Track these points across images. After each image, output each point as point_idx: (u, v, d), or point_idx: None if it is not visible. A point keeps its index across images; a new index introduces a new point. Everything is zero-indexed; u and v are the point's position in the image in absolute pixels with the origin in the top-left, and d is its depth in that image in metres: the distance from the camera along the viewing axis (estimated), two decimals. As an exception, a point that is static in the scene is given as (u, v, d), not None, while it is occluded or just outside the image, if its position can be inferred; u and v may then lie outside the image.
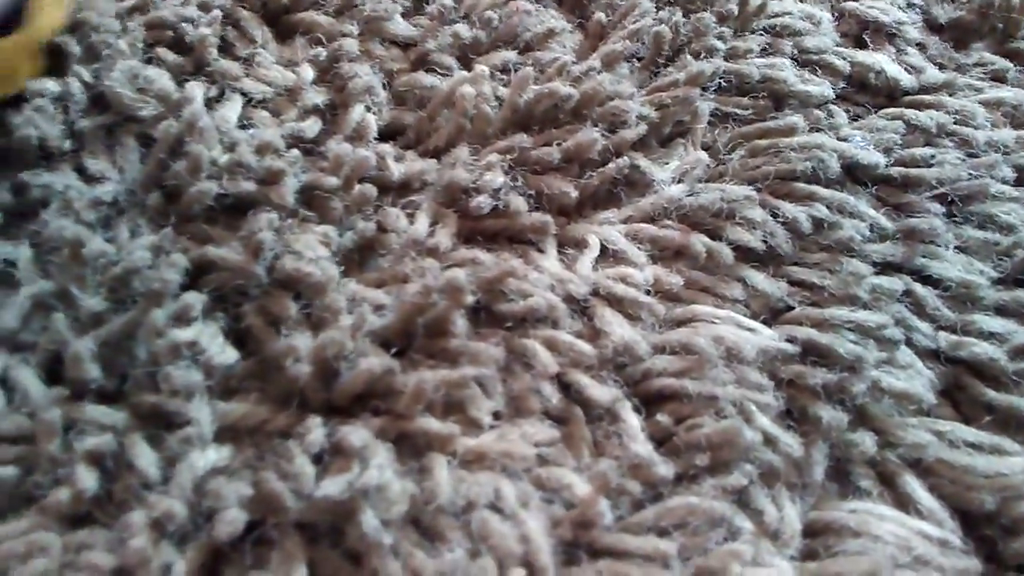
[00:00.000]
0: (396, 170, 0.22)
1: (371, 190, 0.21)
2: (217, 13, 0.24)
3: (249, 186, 0.20)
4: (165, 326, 0.18)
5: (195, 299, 0.19)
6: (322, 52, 0.24)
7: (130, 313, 0.18)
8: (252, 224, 0.20)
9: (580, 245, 0.21)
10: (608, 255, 0.21)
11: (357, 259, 0.21)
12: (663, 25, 0.24)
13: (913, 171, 0.22)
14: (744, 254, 0.21)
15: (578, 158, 0.22)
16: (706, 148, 0.23)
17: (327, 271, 0.19)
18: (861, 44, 0.26)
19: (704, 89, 0.24)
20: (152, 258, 0.19)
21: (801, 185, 0.22)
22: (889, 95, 0.25)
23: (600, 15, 0.25)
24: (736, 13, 0.26)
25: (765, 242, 0.21)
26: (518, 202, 0.21)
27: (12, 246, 0.20)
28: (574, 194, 0.22)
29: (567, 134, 0.22)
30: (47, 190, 0.20)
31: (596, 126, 0.23)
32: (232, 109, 0.22)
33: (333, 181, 0.21)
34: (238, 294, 0.19)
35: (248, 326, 0.19)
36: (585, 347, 0.19)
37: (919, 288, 0.20)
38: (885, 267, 0.21)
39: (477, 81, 0.23)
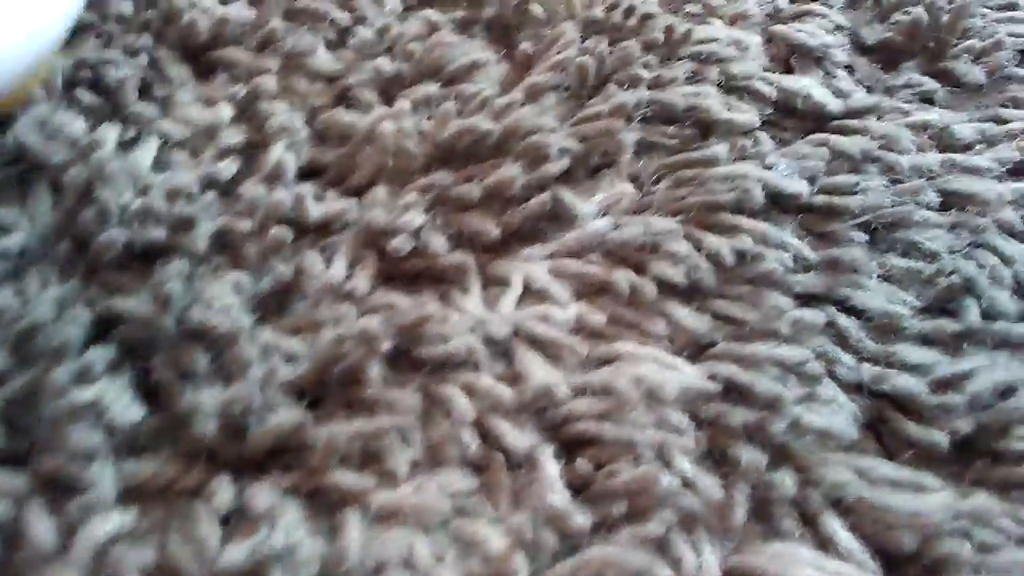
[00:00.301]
0: (315, 211, 0.21)
1: (286, 234, 0.21)
2: (143, 57, 0.24)
3: (159, 233, 0.20)
4: (67, 385, 0.17)
5: (99, 355, 0.18)
6: (241, 90, 0.23)
7: (32, 372, 0.18)
8: (161, 274, 0.19)
9: (503, 283, 0.21)
10: (532, 292, 0.21)
11: (274, 305, 0.20)
12: (587, 56, 0.24)
13: (837, 199, 0.22)
14: (668, 288, 0.21)
15: (499, 195, 0.22)
16: (633, 179, 0.23)
17: (237, 321, 0.19)
18: (789, 69, 0.26)
19: (629, 119, 0.24)
20: (57, 312, 0.19)
21: (726, 216, 0.22)
22: (816, 119, 0.25)
23: (526, 44, 0.25)
24: (662, 41, 0.25)
25: (689, 276, 0.21)
26: (438, 242, 0.21)
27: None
28: (495, 232, 0.21)
29: (490, 169, 0.22)
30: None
31: (519, 160, 0.22)
32: (147, 152, 0.22)
33: (247, 225, 0.20)
34: (147, 346, 0.19)
35: (157, 380, 0.19)
36: (505, 391, 0.19)
37: (842, 319, 0.20)
38: (808, 298, 0.21)
39: (398, 117, 0.23)
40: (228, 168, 0.22)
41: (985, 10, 0.28)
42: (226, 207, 0.21)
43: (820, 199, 0.22)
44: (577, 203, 0.22)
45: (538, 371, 0.19)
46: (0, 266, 0.20)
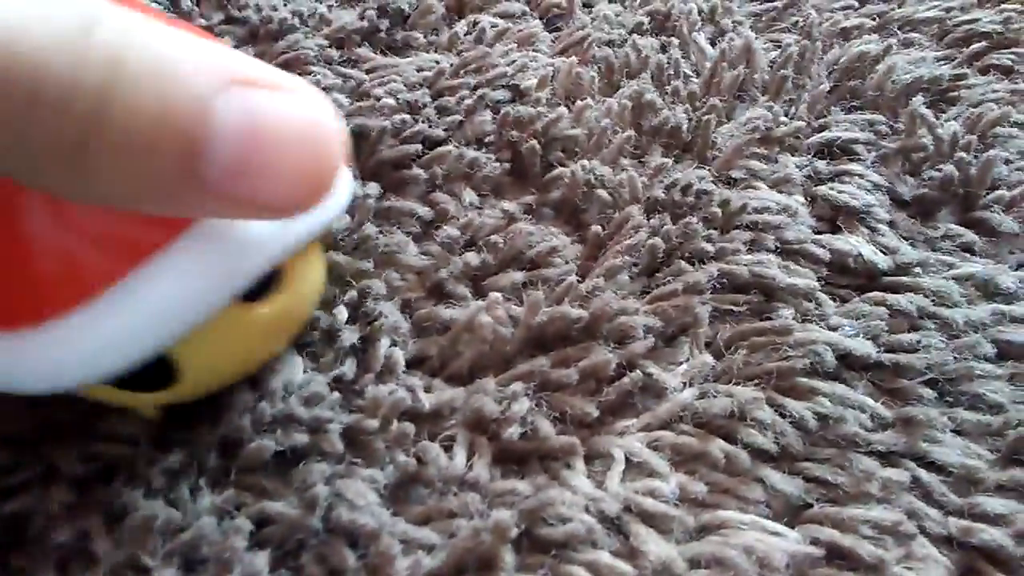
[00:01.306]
0: (427, 401, 0.24)
1: (410, 428, 0.23)
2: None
3: (302, 438, 0.22)
4: (236, 593, 0.19)
5: (262, 562, 0.20)
6: (352, 293, 0.26)
7: (201, 580, 0.20)
8: (305, 476, 0.21)
9: (605, 458, 0.23)
10: (632, 466, 0.23)
11: (401, 496, 0.22)
12: (656, 237, 0.27)
13: (903, 357, 0.24)
14: (758, 454, 0.23)
15: (595, 376, 0.24)
16: (707, 345, 0.25)
17: (379, 517, 0.21)
18: (835, 228, 0.29)
19: (701, 292, 0.26)
20: (217, 522, 0.21)
21: (802, 380, 0.24)
22: (868, 277, 0.27)
23: (597, 228, 0.28)
24: (720, 214, 0.28)
25: (777, 442, 0.23)
26: (545, 426, 0.23)
27: (84, 517, 0.21)
28: (596, 413, 0.23)
29: (581, 352, 0.24)
30: (118, 458, 0.22)
31: (606, 340, 0.25)
32: (295, 367, 0.24)
33: (374, 424, 0.22)
34: (297, 547, 0.21)
35: (309, 578, 0.20)
36: (626, 568, 0.20)
37: (924, 475, 0.22)
38: (889, 456, 0.23)
39: (492, 308, 0.25)
40: (351, 369, 0.24)
41: (1010, 156, 0.30)
42: (348, 404, 0.23)
43: (886, 358, 0.24)
44: (665, 376, 0.24)
45: (653, 546, 0.21)
46: (161, 481, 0.22)
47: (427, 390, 0.24)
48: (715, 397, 0.24)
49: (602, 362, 0.24)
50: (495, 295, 0.26)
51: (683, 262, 0.27)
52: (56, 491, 0.22)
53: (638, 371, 0.24)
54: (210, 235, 0.19)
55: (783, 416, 0.23)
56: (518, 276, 0.26)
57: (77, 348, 0.19)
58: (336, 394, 0.23)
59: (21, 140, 0.14)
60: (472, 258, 0.27)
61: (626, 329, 0.25)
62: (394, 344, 0.25)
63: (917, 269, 0.27)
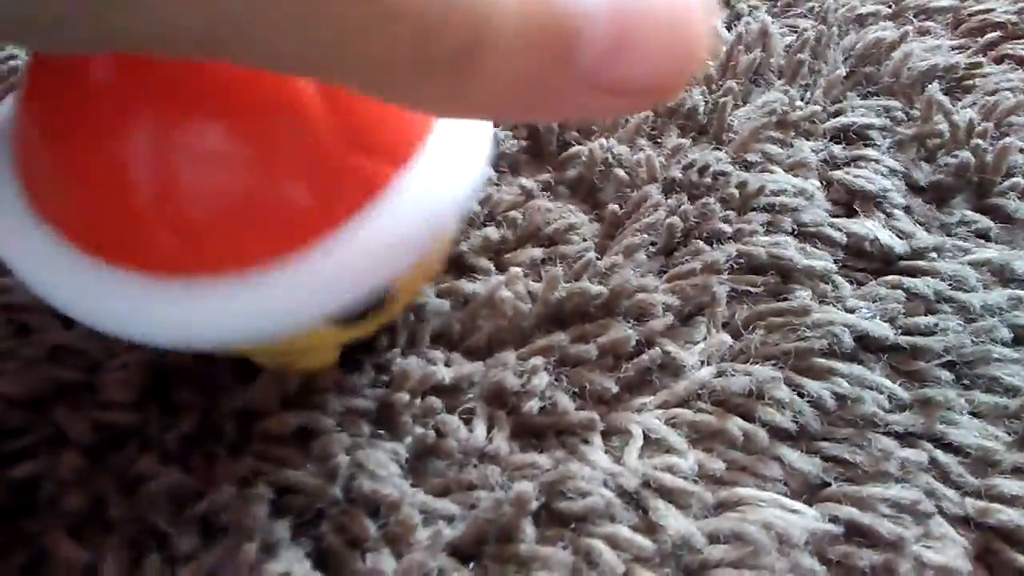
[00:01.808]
0: (446, 375, 0.23)
1: (436, 402, 0.23)
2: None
3: (329, 421, 0.22)
4: (258, 560, 0.19)
5: (284, 529, 0.20)
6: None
7: (221, 547, 0.20)
8: (326, 446, 0.21)
9: (623, 434, 0.23)
10: (650, 442, 0.23)
11: (420, 468, 0.22)
12: (674, 216, 0.27)
13: (920, 340, 0.24)
14: (776, 433, 0.23)
15: (614, 352, 0.24)
16: (724, 324, 0.25)
17: (401, 487, 0.21)
18: (851, 212, 0.29)
19: (719, 272, 0.26)
20: (238, 490, 0.20)
21: (820, 360, 0.24)
22: (885, 261, 0.27)
23: (614, 206, 0.28)
24: (737, 196, 0.28)
25: (795, 421, 0.23)
26: (564, 401, 0.23)
27: (99, 484, 0.21)
28: (615, 389, 0.23)
29: (599, 328, 0.24)
30: (129, 424, 0.22)
31: (624, 317, 0.25)
32: None
33: (404, 398, 0.22)
34: (316, 516, 0.21)
35: (328, 547, 0.20)
36: (645, 542, 0.21)
37: (941, 456, 0.22)
38: (907, 436, 0.23)
39: (511, 283, 0.25)
40: (381, 340, 0.24)
41: (1022, 146, 0.30)
42: (375, 380, 0.23)
43: (904, 340, 0.24)
44: (683, 354, 0.24)
45: (672, 520, 0.21)
46: (176, 448, 0.21)
47: (446, 364, 0.24)
48: (733, 376, 0.24)
49: (622, 338, 0.24)
50: (515, 270, 0.26)
51: (700, 242, 0.27)
52: (67, 456, 0.21)
53: (656, 348, 0.24)
54: (433, 168, 0.18)
55: (801, 396, 0.23)
56: (537, 252, 0.26)
57: (324, 280, 0.17)
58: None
59: (412, 53, 0.13)
60: (492, 232, 0.27)
61: (645, 306, 0.25)
62: (419, 319, 0.25)
63: (933, 254, 0.27)
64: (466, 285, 0.25)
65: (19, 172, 0.18)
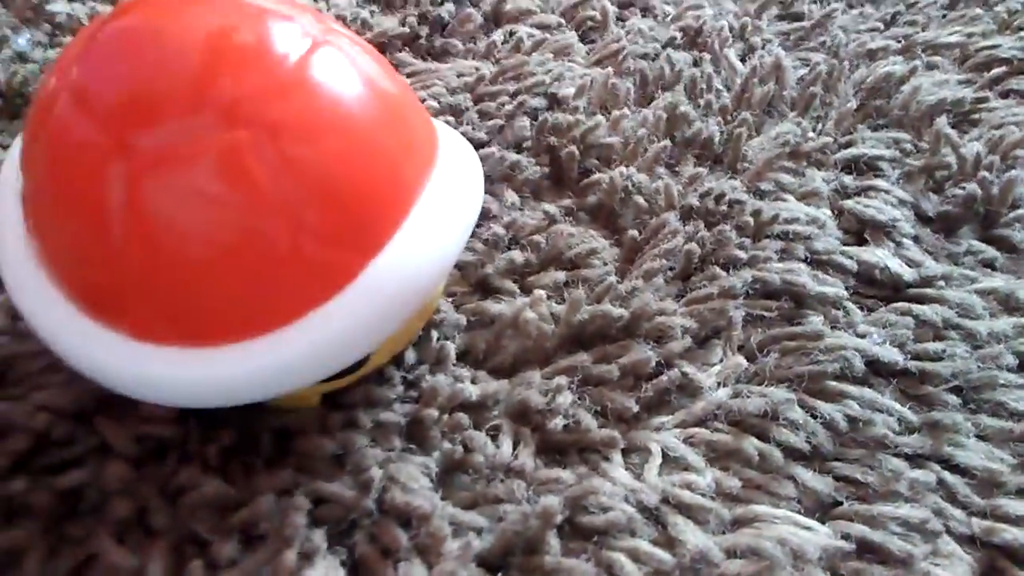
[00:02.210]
0: (473, 392, 0.24)
1: (464, 418, 0.24)
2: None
3: (363, 440, 0.23)
4: (296, 567, 0.20)
5: (321, 538, 0.21)
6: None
7: (261, 554, 0.21)
8: (360, 460, 0.22)
9: (642, 452, 0.24)
10: (669, 460, 0.24)
11: (447, 480, 0.23)
12: (692, 242, 0.28)
13: (928, 365, 0.25)
14: (790, 452, 0.24)
15: (634, 373, 0.25)
16: (740, 347, 0.26)
17: (432, 500, 0.22)
18: (861, 240, 0.30)
19: (735, 297, 0.27)
20: (275, 499, 0.21)
21: (832, 384, 0.25)
22: (894, 288, 0.28)
23: (633, 232, 0.29)
24: (752, 224, 0.29)
25: (808, 441, 0.24)
26: (587, 419, 0.24)
27: (141, 493, 0.22)
28: (635, 408, 0.24)
29: (620, 350, 0.25)
30: (170, 438, 0.23)
31: (644, 339, 0.26)
32: None
33: (432, 413, 0.23)
34: (350, 526, 0.22)
35: (361, 556, 0.21)
36: (665, 556, 0.21)
37: (949, 477, 0.23)
38: (916, 458, 0.24)
39: (536, 304, 0.26)
40: (409, 357, 0.25)
41: (1028, 179, 0.31)
42: (404, 395, 0.24)
43: (913, 365, 0.25)
44: (700, 376, 0.25)
45: (691, 535, 0.22)
46: (215, 457, 0.22)
47: (473, 381, 0.25)
48: (748, 397, 0.25)
49: (642, 360, 0.25)
50: (539, 292, 0.27)
51: (717, 267, 0.28)
52: (112, 466, 0.22)
53: (675, 369, 0.25)
54: (409, 249, 0.20)
55: (814, 417, 0.24)
56: (560, 275, 0.27)
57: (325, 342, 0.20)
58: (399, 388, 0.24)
59: None
60: (516, 256, 0.28)
61: (664, 329, 0.26)
62: (445, 337, 0.26)
63: (941, 282, 0.28)
64: (492, 306, 0.26)
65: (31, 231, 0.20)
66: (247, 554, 0.21)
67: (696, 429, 0.24)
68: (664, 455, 0.24)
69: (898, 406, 0.25)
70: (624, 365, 0.25)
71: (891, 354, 0.25)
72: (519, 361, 0.26)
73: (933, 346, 0.26)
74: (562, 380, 0.24)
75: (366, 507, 0.22)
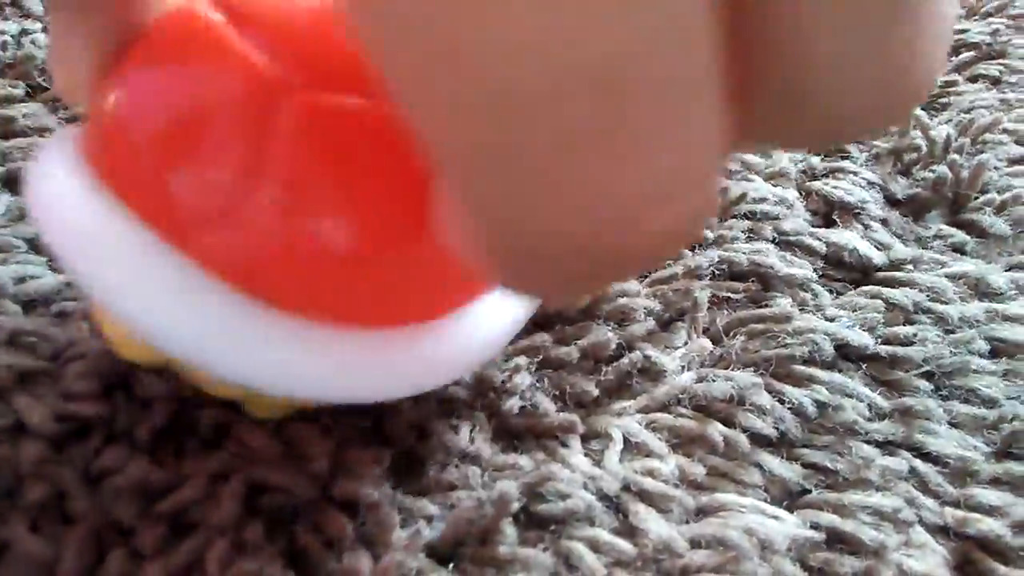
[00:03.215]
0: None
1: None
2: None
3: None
4: (228, 559, 0.19)
5: (257, 529, 0.19)
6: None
7: (189, 544, 0.19)
8: (307, 446, 0.21)
9: (603, 438, 0.23)
10: (631, 446, 0.23)
11: (401, 467, 0.22)
12: (658, 220, 0.27)
13: (900, 350, 0.24)
14: (757, 439, 0.23)
15: (595, 355, 0.24)
16: (705, 330, 0.25)
17: (381, 489, 0.20)
18: (830, 222, 0.29)
19: (700, 278, 0.26)
20: (210, 487, 0.20)
21: (800, 368, 0.24)
22: (863, 271, 0.27)
23: (597, 209, 0.27)
24: (719, 203, 0.28)
25: (776, 427, 0.23)
26: (546, 402, 0.23)
27: (60, 476, 0.20)
28: (596, 392, 0.23)
29: (580, 331, 0.24)
30: (96, 417, 0.21)
31: (606, 321, 0.24)
32: None
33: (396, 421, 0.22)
34: (291, 514, 0.20)
35: (303, 546, 0.20)
36: (626, 546, 0.20)
37: (921, 465, 0.22)
38: (887, 445, 0.23)
39: (493, 282, 0.25)
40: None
41: (998, 163, 0.31)
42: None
43: (883, 349, 0.24)
44: (663, 359, 0.24)
45: (654, 525, 0.21)
46: (146, 439, 0.21)
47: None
48: (714, 381, 0.23)
49: (602, 342, 0.24)
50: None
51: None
52: (27, 446, 0.21)
53: (637, 352, 0.24)
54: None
55: (782, 402, 0.23)
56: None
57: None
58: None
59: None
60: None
61: (626, 311, 0.25)
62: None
63: (910, 266, 0.27)
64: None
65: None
66: (174, 544, 0.19)
67: (659, 414, 0.23)
68: (626, 441, 0.23)
69: (868, 391, 0.24)
70: (584, 347, 0.24)
71: (861, 338, 0.25)
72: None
73: (904, 330, 0.25)
74: (521, 360, 0.23)
75: (308, 494, 0.20)
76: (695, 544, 0.20)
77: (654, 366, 0.24)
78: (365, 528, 0.20)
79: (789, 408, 0.23)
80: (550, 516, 0.21)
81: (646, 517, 0.21)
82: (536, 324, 0.25)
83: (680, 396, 0.23)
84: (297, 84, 0.16)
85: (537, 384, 0.23)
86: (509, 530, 0.20)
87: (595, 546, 0.20)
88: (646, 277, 0.26)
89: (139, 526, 0.19)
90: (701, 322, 0.25)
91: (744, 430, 0.23)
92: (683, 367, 0.24)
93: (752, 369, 0.24)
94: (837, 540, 0.21)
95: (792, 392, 0.23)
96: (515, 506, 0.20)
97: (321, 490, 0.20)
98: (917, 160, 0.31)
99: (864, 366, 0.24)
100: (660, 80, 0.09)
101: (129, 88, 0.17)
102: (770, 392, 0.23)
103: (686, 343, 0.25)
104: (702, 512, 0.21)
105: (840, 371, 0.24)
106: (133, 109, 0.17)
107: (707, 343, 0.25)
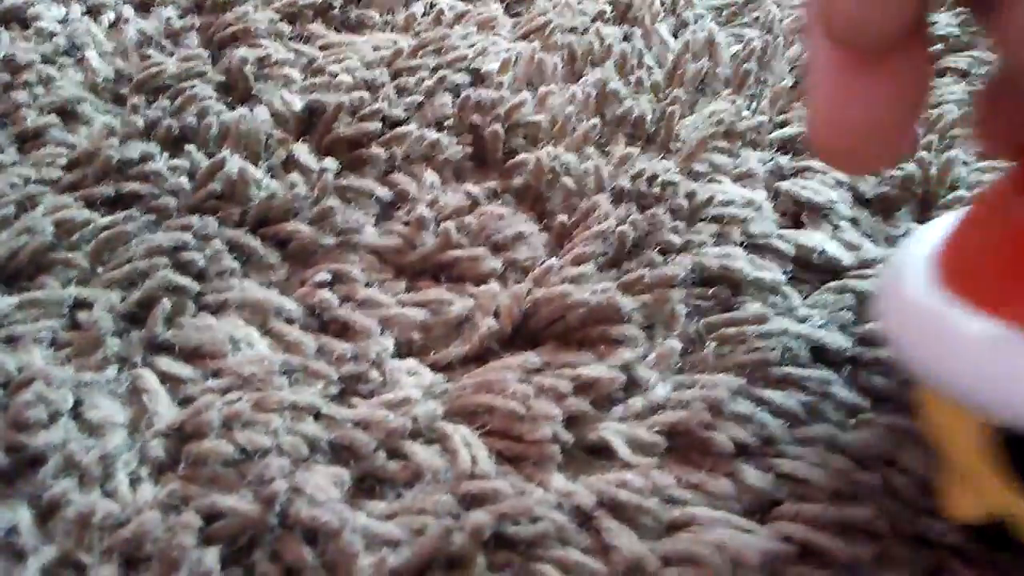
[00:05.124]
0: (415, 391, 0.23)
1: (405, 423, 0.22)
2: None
3: (264, 440, 0.21)
4: (186, 592, 0.18)
5: (212, 559, 0.19)
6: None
7: (146, 579, 0.18)
8: (262, 470, 0.20)
9: (579, 448, 0.22)
10: (603, 457, 0.22)
11: (364, 489, 0.21)
12: (626, 225, 0.26)
13: (879, 352, 0.24)
14: (730, 449, 0.22)
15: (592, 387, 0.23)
16: (678, 336, 0.25)
17: (342, 514, 0.20)
18: (798, 223, 0.29)
19: (673, 285, 0.25)
20: (162, 516, 0.19)
21: (776, 371, 0.24)
22: (833, 272, 0.27)
23: (563, 217, 0.27)
24: (686, 206, 0.27)
25: (754, 434, 0.22)
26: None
27: (11, 510, 0.20)
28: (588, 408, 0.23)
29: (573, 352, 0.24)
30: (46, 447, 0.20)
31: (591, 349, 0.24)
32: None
33: (364, 438, 0.21)
34: (249, 542, 0.20)
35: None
36: (597, 565, 0.20)
37: (896, 476, 0.22)
38: (861, 456, 0.22)
39: (478, 296, 0.24)
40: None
41: (967, 159, 0.31)
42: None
43: (858, 351, 0.24)
44: (640, 368, 0.24)
45: (626, 542, 0.20)
46: (98, 470, 0.20)
47: (411, 374, 0.23)
48: (688, 389, 0.23)
49: (609, 378, 0.23)
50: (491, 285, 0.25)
51: (652, 252, 0.26)
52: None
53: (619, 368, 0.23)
54: None
55: (758, 408, 0.23)
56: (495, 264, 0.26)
57: None
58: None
59: None
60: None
61: (616, 338, 0.24)
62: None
63: (880, 266, 0.27)
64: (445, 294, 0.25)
65: None
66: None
67: (634, 423, 0.23)
68: (600, 452, 0.22)
69: (844, 396, 0.23)
70: (580, 377, 0.23)
71: (836, 340, 0.24)
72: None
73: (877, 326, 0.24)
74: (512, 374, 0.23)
75: (267, 522, 0.19)
76: (667, 562, 0.20)
77: (631, 375, 0.24)
78: (327, 556, 0.19)
79: (766, 414, 0.23)
80: (518, 538, 0.20)
81: (619, 533, 0.20)
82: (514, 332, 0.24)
83: (655, 405, 0.23)
84: None
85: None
86: (480, 559, 0.19)
87: (565, 567, 0.20)
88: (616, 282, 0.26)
89: (92, 562, 0.19)
90: (674, 327, 0.25)
91: (717, 441, 0.22)
92: (656, 372, 0.24)
93: (727, 374, 0.23)
94: (810, 553, 0.20)
95: (767, 399, 0.23)
96: (487, 534, 0.20)
97: (280, 516, 0.20)
98: (886, 158, 0.30)
99: (842, 371, 0.24)
100: None
101: None
102: (747, 398, 0.23)
103: (659, 351, 0.24)
104: (674, 527, 0.21)
105: (817, 376, 0.24)
106: None
107: (676, 343, 0.24)
